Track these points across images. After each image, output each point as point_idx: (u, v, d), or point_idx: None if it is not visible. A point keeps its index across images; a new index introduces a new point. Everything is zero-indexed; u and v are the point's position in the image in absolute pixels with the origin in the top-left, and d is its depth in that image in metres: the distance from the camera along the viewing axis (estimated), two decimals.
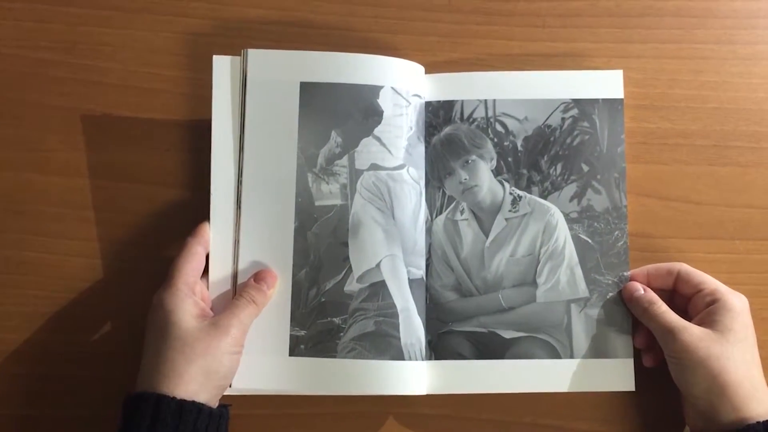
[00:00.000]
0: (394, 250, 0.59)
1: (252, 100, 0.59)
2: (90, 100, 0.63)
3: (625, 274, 0.60)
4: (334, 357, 0.58)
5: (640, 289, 0.58)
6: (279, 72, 0.60)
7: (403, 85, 0.60)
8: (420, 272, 0.60)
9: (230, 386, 0.57)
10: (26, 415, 0.60)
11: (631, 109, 0.64)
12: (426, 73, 0.62)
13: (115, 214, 0.62)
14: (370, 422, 0.60)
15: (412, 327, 0.59)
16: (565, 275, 0.60)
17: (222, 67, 0.59)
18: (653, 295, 0.58)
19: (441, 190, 0.61)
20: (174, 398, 0.51)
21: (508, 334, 0.60)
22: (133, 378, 0.54)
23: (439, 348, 0.59)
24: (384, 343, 0.58)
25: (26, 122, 0.63)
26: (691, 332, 0.54)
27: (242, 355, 0.56)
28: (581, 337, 0.59)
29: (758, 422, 0.52)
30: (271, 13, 0.65)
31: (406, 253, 0.59)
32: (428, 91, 0.62)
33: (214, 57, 0.59)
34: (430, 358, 0.59)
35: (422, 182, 0.61)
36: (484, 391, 0.59)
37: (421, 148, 0.61)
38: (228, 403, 0.56)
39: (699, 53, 0.65)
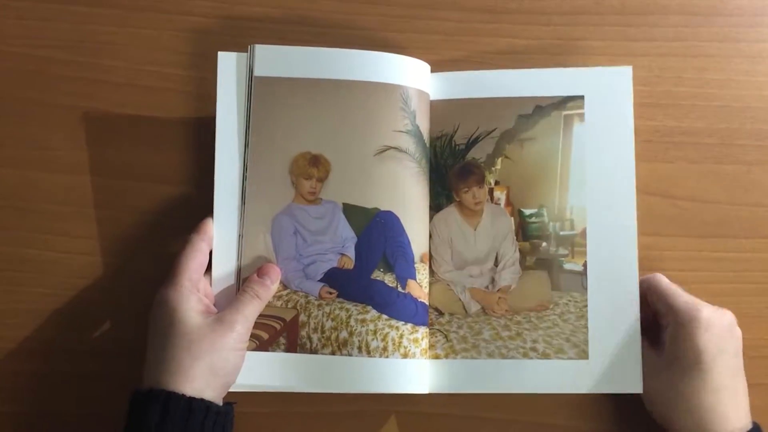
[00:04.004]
0: None
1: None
2: (94, 99, 0.63)
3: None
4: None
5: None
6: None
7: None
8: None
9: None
10: (29, 412, 0.60)
11: (636, 107, 0.63)
12: (432, 71, 0.62)
13: (118, 212, 0.62)
14: (372, 420, 0.60)
15: None
16: None
17: (227, 63, 0.59)
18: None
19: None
20: (184, 396, 0.50)
21: None
22: (136, 375, 0.54)
23: None
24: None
25: (30, 120, 0.63)
26: None
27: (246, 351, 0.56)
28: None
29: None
30: (275, 12, 0.65)
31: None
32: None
33: (219, 53, 0.59)
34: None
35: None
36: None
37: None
38: (233, 401, 0.55)
39: (704, 51, 0.65)
